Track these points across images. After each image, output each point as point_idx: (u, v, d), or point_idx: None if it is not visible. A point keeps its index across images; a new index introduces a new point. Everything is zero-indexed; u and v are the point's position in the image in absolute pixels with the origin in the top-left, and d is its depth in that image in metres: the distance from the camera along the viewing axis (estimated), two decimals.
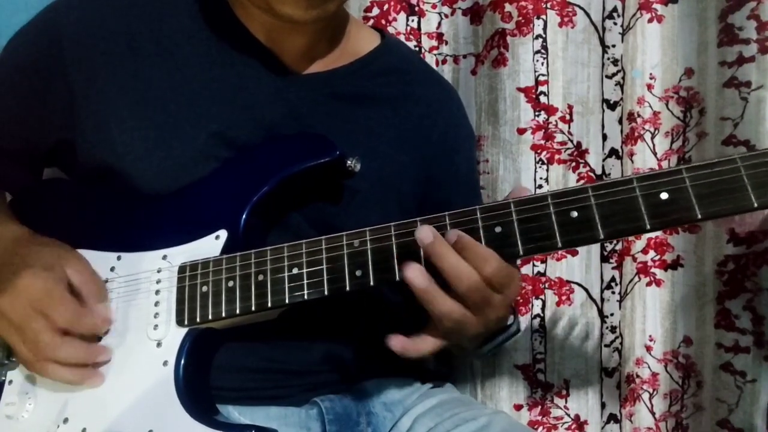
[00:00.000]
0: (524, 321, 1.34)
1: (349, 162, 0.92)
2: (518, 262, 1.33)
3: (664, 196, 0.72)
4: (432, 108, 1.10)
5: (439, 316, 0.79)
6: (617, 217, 0.73)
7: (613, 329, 1.32)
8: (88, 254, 0.93)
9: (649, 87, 1.29)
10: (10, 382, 0.91)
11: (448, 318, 0.78)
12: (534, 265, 1.34)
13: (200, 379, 0.88)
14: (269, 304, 0.84)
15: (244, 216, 0.89)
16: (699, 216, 0.70)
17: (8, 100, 1.00)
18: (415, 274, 0.77)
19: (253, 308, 0.85)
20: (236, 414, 0.94)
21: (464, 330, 0.81)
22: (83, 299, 0.87)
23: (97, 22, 0.96)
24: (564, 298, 1.33)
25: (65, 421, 0.86)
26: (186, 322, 0.87)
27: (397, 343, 0.81)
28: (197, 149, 0.93)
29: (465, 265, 0.76)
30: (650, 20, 1.28)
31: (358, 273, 0.81)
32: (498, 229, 0.77)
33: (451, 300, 0.78)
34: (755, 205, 0.69)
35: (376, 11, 1.39)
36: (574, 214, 0.75)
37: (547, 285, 1.34)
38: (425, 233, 0.77)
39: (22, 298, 0.83)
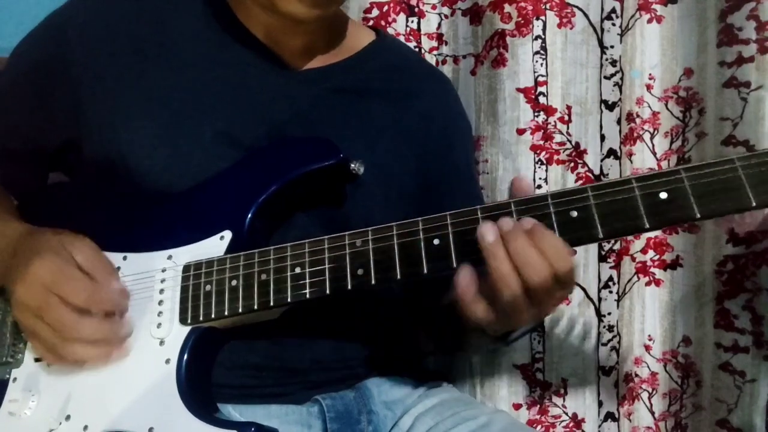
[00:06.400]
0: None
1: (352, 165, 0.93)
2: None
3: (663, 195, 0.72)
4: (431, 102, 1.11)
5: (504, 288, 0.76)
6: (616, 217, 0.74)
7: (610, 328, 1.33)
8: None
9: (649, 87, 1.29)
10: (14, 379, 0.91)
11: (512, 294, 0.76)
12: None
13: (202, 377, 0.88)
14: (271, 303, 0.84)
15: (248, 217, 0.90)
16: (698, 215, 0.71)
17: (16, 103, 1.02)
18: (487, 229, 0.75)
19: (255, 307, 0.85)
20: (236, 414, 0.94)
21: (522, 317, 0.79)
22: (94, 277, 0.87)
23: (103, 24, 0.98)
24: None
25: (67, 418, 0.87)
26: (189, 321, 0.87)
27: (467, 277, 0.78)
28: (202, 147, 0.94)
29: (539, 255, 0.74)
30: (649, 21, 1.28)
31: (359, 272, 0.82)
32: None
33: (517, 277, 0.75)
34: (753, 204, 0.69)
35: (375, 12, 1.40)
36: (574, 213, 0.75)
37: None
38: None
39: (37, 284, 0.83)
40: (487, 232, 0.75)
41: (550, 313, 0.81)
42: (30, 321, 0.85)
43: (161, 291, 0.90)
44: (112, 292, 0.87)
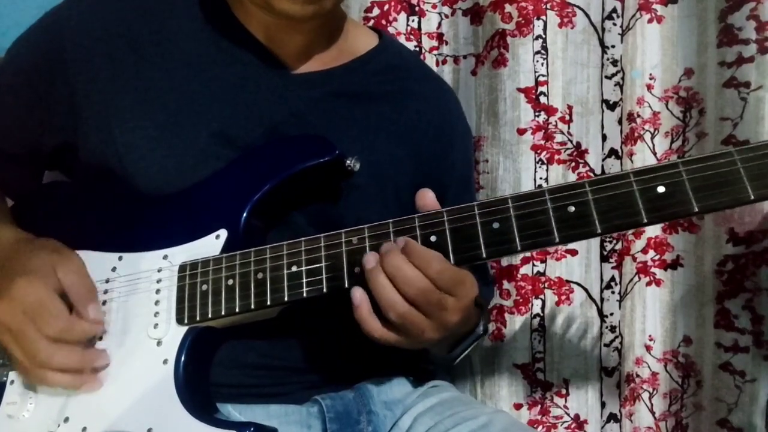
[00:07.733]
0: (523, 320, 1.35)
1: (348, 162, 0.92)
2: (518, 259, 1.33)
3: (660, 189, 0.72)
4: (428, 104, 1.10)
5: (387, 309, 0.80)
6: (614, 212, 0.73)
7: (612, 329, 1.33)
8: (89, 255, 0.93)
9: (649, 87, 1.29)
10: (12, 382, 0.91)
11: (397, 314, 0.80)
12: (534, 265, 1.34)
13: (200, 377, 0.88)
14: (268, 302, 0.84)
15: (244, 216, 0.89)
16: (696, 209, 0.71)
17: (11, 103, 1.01)
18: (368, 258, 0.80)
19: (252, 306, 0.85)
20: (236, 414, 0.94)
21: (421, 332, 0.82)
22: (75, 304, 0.87)
23: (98, 24, 0.97)
24: (563, 297, 1.33)
25: (66, 420, 0.86)
26: (186, 321, 0.87)
27: (358, 294, 0.81)
28: (198, 148, 0.94)
29: (411, 268, 0.78)
30: (650, 21, 1.28)
31: (356, 270, 0.82)
32: (495, 225, 0.77)
33: (400, 297, 0.79)
34: (752, 197, 0.69)
35: (376, 11, 1.40)
36: (572, 209, 0.75)
37: (546, 285, 1.34)
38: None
39: (17, 306, 0.83)
40: (369, 260, 0.80)
41: (454, 321, 0.82)
42: (9, 343, 0.86)
43: (157, 291, 0.89)
44: (86, 324, 0.87)
